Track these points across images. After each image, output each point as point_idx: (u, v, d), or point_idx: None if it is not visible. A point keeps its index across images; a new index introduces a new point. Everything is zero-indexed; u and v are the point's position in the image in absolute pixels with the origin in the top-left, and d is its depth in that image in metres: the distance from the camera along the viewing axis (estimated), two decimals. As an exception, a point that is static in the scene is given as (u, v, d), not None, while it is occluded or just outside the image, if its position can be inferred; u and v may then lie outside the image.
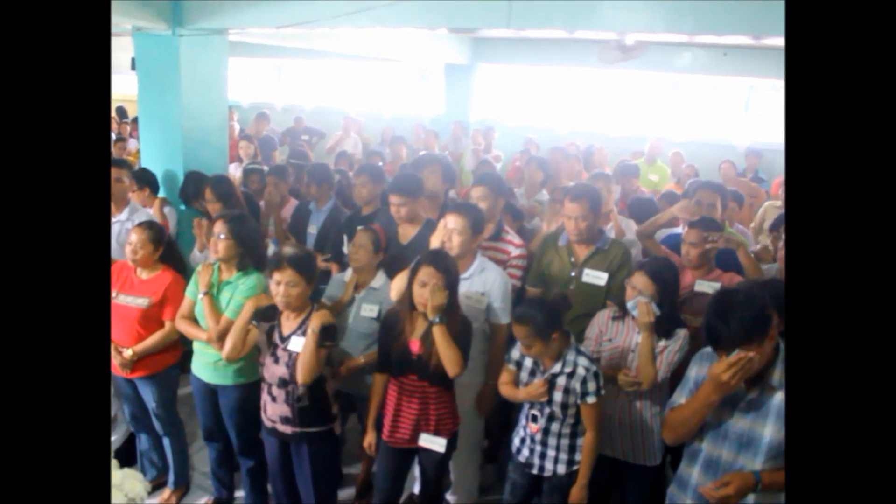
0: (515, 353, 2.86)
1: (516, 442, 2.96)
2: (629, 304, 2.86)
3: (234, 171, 6.36)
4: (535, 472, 2.88)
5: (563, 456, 2.82)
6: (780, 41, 7.73)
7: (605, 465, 3.01)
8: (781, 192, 7.12)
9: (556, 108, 10.92)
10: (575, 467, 2.82)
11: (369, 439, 3.04)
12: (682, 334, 2.86)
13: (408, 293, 2.83)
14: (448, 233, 3.18)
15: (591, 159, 7.26)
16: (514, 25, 3.65)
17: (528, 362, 2.83)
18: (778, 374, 2.15)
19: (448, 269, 2.78)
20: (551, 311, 2.70)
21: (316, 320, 2.82)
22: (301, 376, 2.82)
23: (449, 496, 3.71)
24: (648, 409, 2.95)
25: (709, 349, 2.37)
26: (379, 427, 3.02)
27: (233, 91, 13.01)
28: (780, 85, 9.63)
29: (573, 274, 3.45)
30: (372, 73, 12.21)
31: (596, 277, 3.37)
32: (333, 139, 9.06)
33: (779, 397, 2.14)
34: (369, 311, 3.35)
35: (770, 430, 2.14)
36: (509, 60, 10.77)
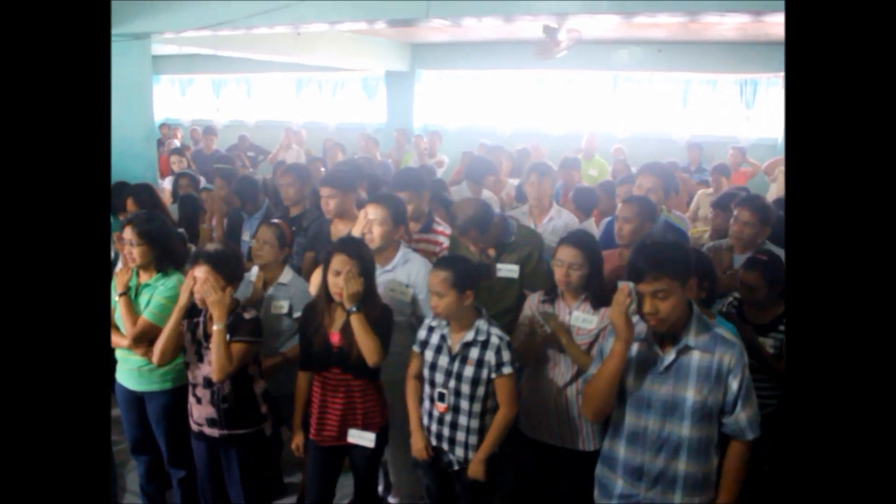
0: (422, 333, 2.79)
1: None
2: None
3: (166, 184, 6.21)
4: (444, 464, 2.78)
5: (473, 441, 2.71)
6: (708, 32, 7.94)
7: (543, 452, 2.95)
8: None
9: (499, 111, 10.96)
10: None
11: (296, 440, 2.93)
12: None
13: (323, 285, 2.74)
14: (368, 224, 3.10)
15: (526, 159, 7.30)
16: (432, 14, 3.61)
17: (434, 338, 2.75)
18: (693, 335, 2.12)
19: (361, 255, 2.70)
20: (472, 267, 2.67)
21: (215, 311, 2.70)
22: (214, 373, 2.71)
23: (391, 498, 3.61)
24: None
25: None
26: (306, 427, 2.91)
27: (172, 108, 12.94)
28: (714, 78, 9.83)
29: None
30: (314, 85, 12.12)
31: (509, 271, 3.35)
32: (274, 151, 8.97)
33: (696, 357, 2.12)
34: (279, 307, 3.25)
35: (692, 391, 2.11)
36: (449, 66, 10.83)
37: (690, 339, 2.12)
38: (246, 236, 4.48)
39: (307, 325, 2.83)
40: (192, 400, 2.90)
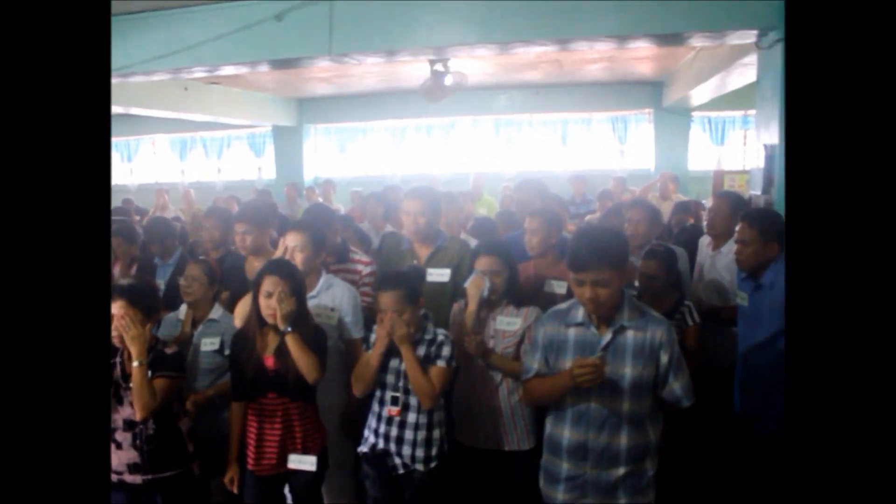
0: (373, 337, 2.81)
1: (369, 437, 2.85)
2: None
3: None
4: (391, 466, 2.79)
5: (420, 452, 2.75)
6: (581, 73, 8.58)
7: (475, 457, 3.01)
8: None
9: (388, 159, 11.20)
10: (433, 464, 2.77)
11: (231, 473, 2.82)
12: (536, 311, 2.95)
13: (254, 309, 2.72)
14: (290, 251, 3.11)
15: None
16: (335, 52, 3.73)
17: None
18: (626, 316, 2.28)
19: (292, 275, 2.71)
20: (413, 277, 2.74)
21: (134, 348, 2.60)
22: (137, 411, 2.60)
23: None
24: (517, 393, 2.97)
25: (556, 309, 2.48)
26: (241, 460, 2.83)
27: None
28: (588, 117, 10.54)
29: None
30: (199, 145, 11.92)
31: (440, 275, 3.41)
32: (151, 212, 8.67)
33: (630, 336, 2.27)
34: (210, 344, 3.17)
35: (629, 368, 2.26)
36: (335, 119, 11.00)
37: (624, 319, 2.27)
38: (160, 284, 4.31)
39: (238, 354, 2.78)
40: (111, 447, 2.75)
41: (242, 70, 5.64)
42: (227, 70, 5.25)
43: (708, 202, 6.19)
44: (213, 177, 11.82)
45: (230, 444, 2.84)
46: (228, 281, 3.75)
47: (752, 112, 8.98)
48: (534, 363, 2.42)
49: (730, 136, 10.21)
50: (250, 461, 2.77)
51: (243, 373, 2.76)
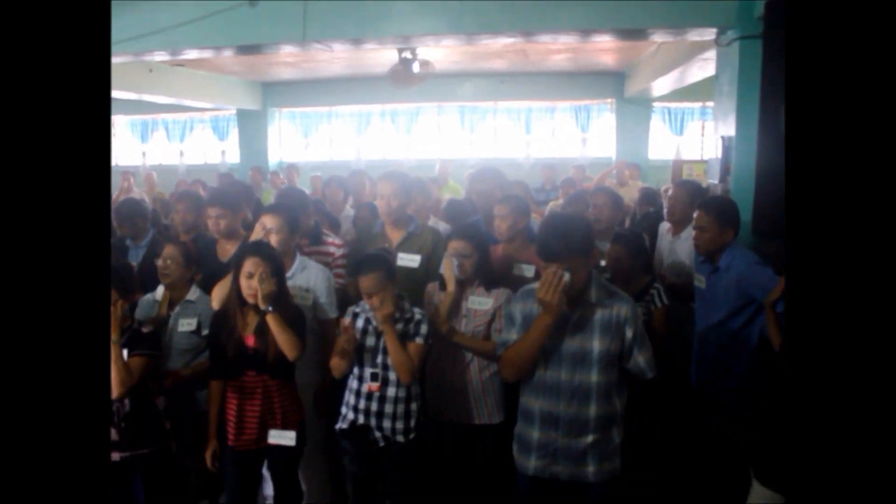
0: (346, 320, 2.92)
1: (347, 414, 2.95)
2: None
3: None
4: (370, 441, 2.90)
5: (400, 424, 2.87)
6: (545, 63, 8.75)
7: (447, 431, 3.13)
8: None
9: (353, 145, 11.23)
10: (412, 436, 2.90)
11: (212, 449, 2.90)
12: (507, 292, 3.07)
13: (234, 289, 2.80)
14: (265, 233, 3.18)
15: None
16: (308, 38, 3.78)
17: (359, 323, 2.90)
18: (594, 293, 2.43)
19: (272, 256, 2.79)
20: (387, 259, 2.85)
21: (111, 326, 2.64)
22: (114, 388, 2.65)
23: (303, 506, 3.62)
24: (487, 369, 3.11)
25: (528, 287, 2.61)
26: (220, 437, 2.91)
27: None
28: (552, 105, 10.71)
29: None
30: (162, 128, 11.77)
31: (410, 260, 3.50)
32: (115, 196, 8.56)
33: (597, 313, 2.42)
34: (188, 325, 3.23)
35: (597, 342, 2.41)
36: (301, 103, 10.96)
37: (592, 297, 2.43)
38: (133, 265, 4.32)
39: (218, 333, 2.85)
40: None
41: (208, 53, 5.63)
42: (193, 53, 5.25)
43: (663, 190, 6.42)
44: (175, 160, 11.70)
45: (209, 422, 2.91)
46: (201, 263, 3.80)
47: (710, 104, 9.26)
48: (511, 336, 2.54)
49: (688, 126, 10.52)
50: (230, 437, 2.85)
51: (223, 352, 2.83)
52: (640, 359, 2.45)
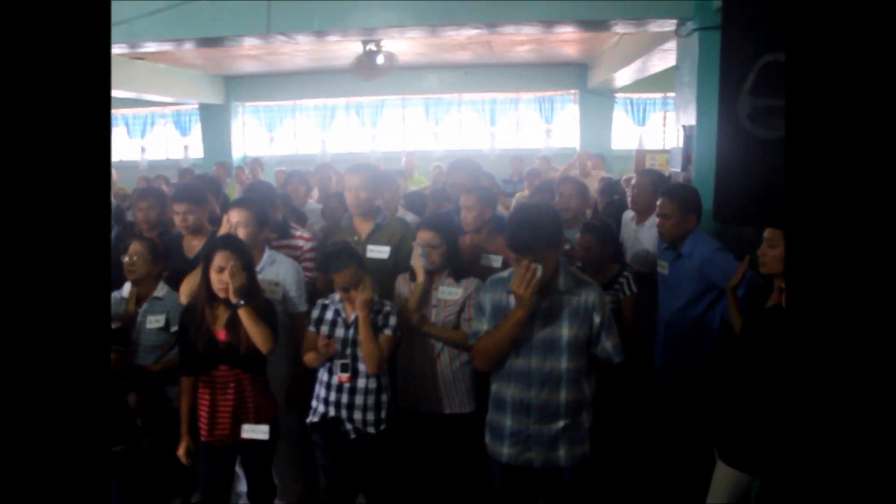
0: (315, 312, 2.94)
1: (318, 407, 2.98)
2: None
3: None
4: (342, 433, 2.92)
5: (371, 416, 2.90)
6: (509, 54, 8.80)
7: (420, 421, 3.16)
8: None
9: (318, 138, 11.17)
10: (383, 427, 2.94)
11: (185, 445, 2.89)
12: (476, 282, 3.11)
13: (204, 283, 2.78)
14: (233, 227, 3.17)
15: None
16: (273, 29, 3.76)
17: (328, 314, 2.93)
18: (562, 282, 2.47)
19: (242, 250, 2.79)
20: (356, 251, 2.90)
21: None
22: None
23: (277, 502, 3.62)
24: (457, 359, 3.15)
25: (497, 276, 2.65)
26: (193, 433, 2.90)
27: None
28: (516, 97, 10.78)
29: None
30: (121, 122, 11.56)
31: (379, 252, 3.51)
32: None
33: (566, 300, 2.47)
34: (156, 322, 3.20)
35: (566, 329, 2.46)
36: (264, 97, 10.87)
37: (561, 285, 2.47)
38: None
39: (188, 328, 2.83)
40: None
41: (168, 46, 5.54)
42: (153, 46, 5.17)
43: (624, 179, 6.53)
44: (136, 156, 11.51)
45: (181, 418, 2.90)
46: (167, 259, 3.76)
47: (671, 95, 9.41)
48: (482, 325, 2.58)
49: (650, 117, 10.67)
50: (203, 432, 2.84)
51: (193, 347, 2.81)
52: (608, 344, 2.51)
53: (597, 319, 2.48)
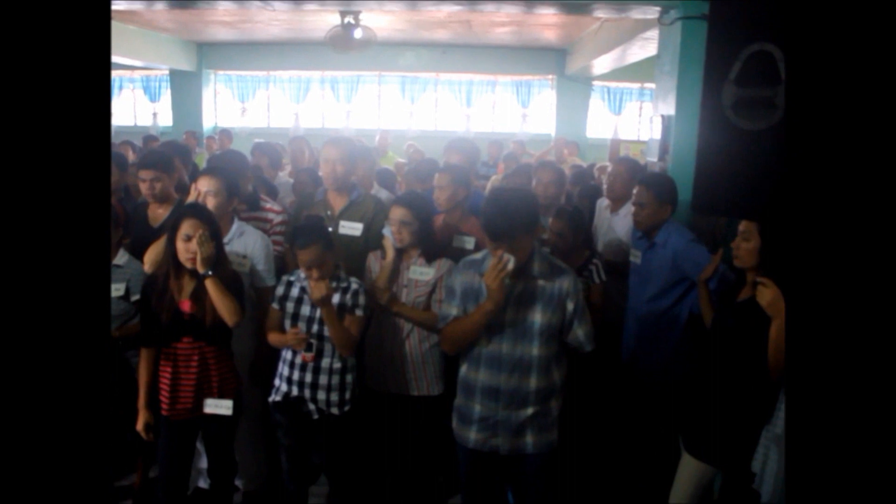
0: (280, 289, 2.87)
1: (281, 386, 2.92)
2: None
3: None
4: (305, 413, 2.88)
5: (335, 396, 2.85)
6: (487, 35, 8.71)
7: (387, 402, 3.12)
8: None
9: (291, 111, 10.98)
10: (347, 408, 2.89)
11: (144, 419, 2.81)
12: (449, 263, 3.07)
13: (169, 252, 2.69)
14: (202, 196, 3.08)
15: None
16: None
17: (294, 291, 2.87)
18: (537, 266, 2.44)
19: (210, 219, 2.70)
20: (325, 229, 2.82)
21: None
22: None
23: (237, 481, 3.56)
24: (427, 340, 3.11)
25: (470, 258, 2.61)
26: (153, 407, 2.82)
27: None
28: (493, 79, 10.71)
29: (330, 229, 3.51)
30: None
31: (352, 228, 3.45)
32: None
33: (540, 285, 2.44)
34: (115, 290, 3.09)
35: (539, 315, 2.43)
36: (238, 66, 10.64)
37: (535, 270, 2.44)
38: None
39: (151, 298, 2.74)
40: None
41: (139, 5, 5.34)
42: (122, 5, 4.98)
43: (597, 168, 6.52)
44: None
45: (140, 392, 2.81)
46: (129, 227, 3.65)
47: (648, 85, 9.44)
48: (452, 309, 2.54)
49: (627, 106, 10.69)
50: (164, 406, 2.76)
51: (156, 318, 2.72)
52: (580, 332, 2.49)
53: (570, 306, 2.46)
